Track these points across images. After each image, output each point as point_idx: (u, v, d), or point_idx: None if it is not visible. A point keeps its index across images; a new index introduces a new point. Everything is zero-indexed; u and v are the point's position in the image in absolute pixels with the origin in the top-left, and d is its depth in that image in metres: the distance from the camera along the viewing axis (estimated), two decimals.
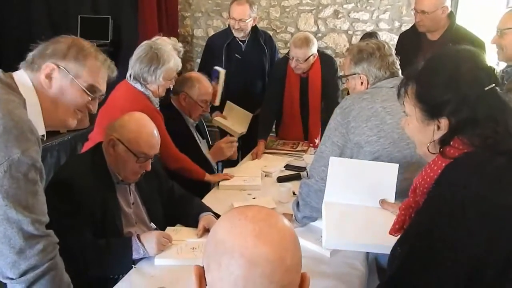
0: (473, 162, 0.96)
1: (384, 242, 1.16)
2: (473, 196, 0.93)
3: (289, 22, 4.42)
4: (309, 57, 2.79)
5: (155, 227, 1.83)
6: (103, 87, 1.31)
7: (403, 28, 3.85)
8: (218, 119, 2.96)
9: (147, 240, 1.60)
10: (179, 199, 1.97)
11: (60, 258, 1.18)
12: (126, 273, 1.55)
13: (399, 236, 1.08)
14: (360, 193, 1.41)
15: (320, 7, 4.30)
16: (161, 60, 2.16)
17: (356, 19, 4.24)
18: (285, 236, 0.71)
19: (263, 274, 0.67)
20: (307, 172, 2.37)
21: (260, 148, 2.84)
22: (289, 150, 2.91)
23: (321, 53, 2.95)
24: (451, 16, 2.65)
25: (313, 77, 2.91)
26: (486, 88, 0.98)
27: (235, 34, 3.12)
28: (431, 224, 0.97)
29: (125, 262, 1.58)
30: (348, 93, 1.89)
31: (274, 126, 3.30)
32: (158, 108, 2.28)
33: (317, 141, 2.91)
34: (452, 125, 1.00)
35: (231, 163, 2.77)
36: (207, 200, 2.14)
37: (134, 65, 2.19)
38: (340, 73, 2.58)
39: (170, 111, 2.55)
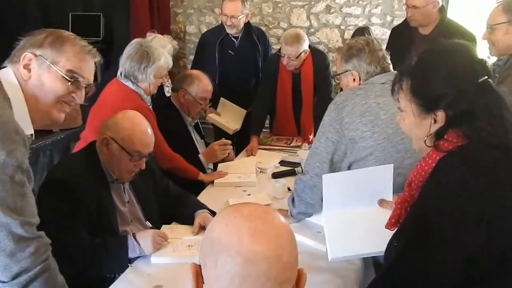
0: (467, 155, 0.97)
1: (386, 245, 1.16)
2: (467, 189, 0.94)
3: (281, 17, 4.42)
4: (300, 53, 2.79)
5: (151, 225, 1.83)
6: (86, 74, 1.24)
7: (395, 23, 3.86)
8: (212, 116, 2.95)
9: (143, 239, 1.60)
10: (174, 197, 1.96)
11: (54, 259, 1.17)
12: (122, 272, 1.55)
13: (395, 230, 1.09)
14: (358, 200, 1.40)
15: (312, 2, 4.30)
16: (151, 58, 2.15)
17: (348, 14, 4.25)
18: (281, 233, 0.71)
19: (260, 272, 0.67)
20: (301, 167, 2.39)
21: (253, 144, 2.84)
22: (283, 146, 2.92)
23: (312, 49, 2.94)
24: (442, 10, 2.67)
25: (305, 73, 2.91)
26: (480, 80, 1.00)
27: (228, 30, 3.11)
28: (426, 217, 0.98)
29: (121, 261, 1.58)
30: (341, 89, 1.90)
31: (268, 123, 3.31)
32: (150, 106, 2.27)
33: (311, 137, 2.92)
34: (449, 118, 1.01)
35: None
36: (202, 197, 2.13)
37: (125, 63, 2.18)
38: (333, 73, 2.59)
39: (168, 109, 2.54)
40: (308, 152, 1.82)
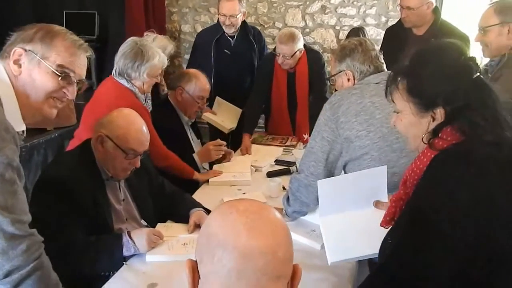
0: (461, 152, 0.99)
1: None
2: (457, 184, 0.96)
3: (276, 17, 4.42)
4: (295, 52, 2.79)
5: (146, 224, 1.82)
6: (78, 69, 1.21)
7: (390, 23, 3.88)
8: (207, 115, 2.95)
9: (138, 237, 1.60)
10: (169, 195, 1.97)
11: (47, 257, 1.16)
12: (117, 270, 1.55)
13: (389, 227, 1.10)
14: (354, 202, 1.41)
15: (308, 3, 4.31)
16: (145, 56, 2.14)
17: (343, 14, 4.27)
18: (277, 229, 0.72)
19: (256, 267, 0.68)
20: (296, 167, 2.39)
21: (246, 143, 2.84)
22: (278, 145, 2.93)
23: (307, 48, 2.96)
24: (436, 11, 2.69)
25: (300, 72, 2.92)
26: (474, 76, 1.02)
27: (226, 30, 3.11)
28: (420, 215, 0.99)
29: (116, 259, 1.57)
30: (336, 89, 1.92)
31: (263, 122, 3.32)
32: (145, 105, 2.27)
33: (305, 136, 2.93)
34: (448, 114, 1.03)
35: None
36: (197, 196, 2.14)
37: (119, 60, 2.17)
38: (328, 75, 2.60)
39: (165, 108, 2.54)
40: (303, 152, 1.83)
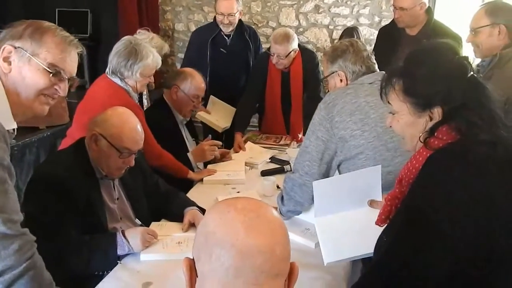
0: (456, 151, 0.99)
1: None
2: (456, 184, 0.96)
3: (270, 16, 4.43)
4: (290, 52, 2.80)
5: (140, 223, 1.82)
6: (69, 66, 1.19)
7: (383, 23, 3.91)
8: (201, 114, 2.94)
9: (132, 236, 1.60)
10: (164, 194, 1.96)
11: (40, 256, 1.14)
12: (111, 269, 1.54)
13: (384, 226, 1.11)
14: (349, 203, 1.42)
15: (301, 2, 4.33)
16: (139, 55, 2.13)
17: (336, 14, 4.29)
18: (275, 227, 0.72)
19: (254, 265, 0.68)
20: (290, 165, 2.40)
21: (239, 140, 2.83)
22: (272, 144, 2.93)
23: (302, 48, 2.96)
24: (429, 12, 2.71)
25: (294, 71, 2.92)
26: (469, 75, 1.03)
27: (224, 29, 3.11)
28: (415, 213, 1.00)
29: (110, 259, 1.57)
30: (328, 90, 1.93)
31: (257, 121, 3.32)
32: (144, 101, 2.25)
33: (300, 135, 2.94)
34: (446, 113, 1.04)
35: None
36: (192, 194, 2.13)
37: (113, 59, 2.16)
38: (322, 74, 2.61)
39: (160, 106, 2.53)
40: (297, 151, 1.83)
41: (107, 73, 2.20)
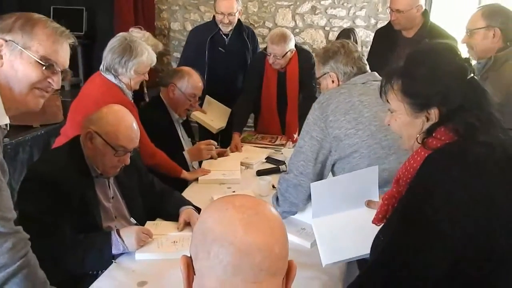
0: (454, 152, 1.00)
1: None
2: (456, 184, 0.96)
3: (267, 17, 4.43)
4: (286, 53, 2.80)
5: (135, 222, 1.81)
6: (61, 58, 1.16)
7: (379, 25, 3.93)
8: (196, 113, 2.93)
9: (127, 236, 1.58)
10: (159, 193, 1.95)
11: (34, 255, 1.14)
12: (106, 269, 1.53)
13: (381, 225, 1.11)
14: (346, 203, 1.42)
15: (298, 3, 4.33)
16: (133, 52, 2.11)
17: (333, 15, 4.30)
18: (274, 224, 0.72)
19: (253, 263, 0.68)
20: (286, 166, 2.40)
21: (236, 141, 2.83)
22: (267, 144, 2.93)
23: (298, 48, 2.96)
24: (425, 14, 2.73)
25: (290, 72, 2.92)
26: (468, 77, 1.03)
27: (223, 28, 3.10)
28: (413, 212, 1.00)
29: (105, 258, 1.55)
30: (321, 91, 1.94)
31: (252, 121, 3.31)
32: (132, 101, 2.23)
33: (295, 135, 2.94)
34: (443, 114, 1.04)
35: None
36: (187, 194, 2.12)
37: (107, 55, 2.14)
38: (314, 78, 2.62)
39: (156, 104, 2.51)
40: (292, 151, 1.83)
41: (101, 70, 2.17)
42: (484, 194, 0.96)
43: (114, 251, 1.57)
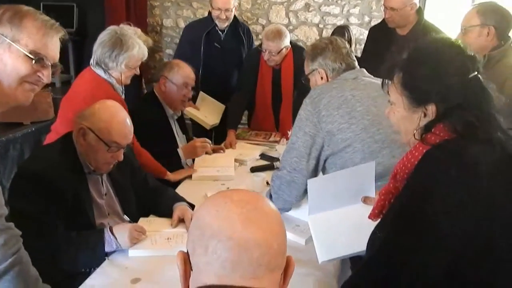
0: (452, 148, 0.99)
1: None
2: (455, 184, 0.96)
3: (260, 13, 4.42)
4: (281, 49, 2.79)
5: (128, 219, 1.79)
6: (51, 51, 1.13)
7: (373, 23, 3.93)
8: (190, 109, 2.91)
9: (120, 233, 1.57)
10: (152, 190, 1.93)
11: (26, 252, 1.12)
12: (98, 267, 1.51)
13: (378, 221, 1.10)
14: (343, 200, 1.41)
15: (291, 0, 4.32)
16: (124, 46, 2.06)
17: (327, 13, 4.29)
18: (272, 220, 0.71)
19: (251, 258, 0.67)
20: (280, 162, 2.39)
21: (231, 138, 2.82)
22: (261, 141, 2.93)
23: (293, 45, 2.96)
24: (419, 12, 2.74)
25: (285, 68, 2.92)
26: (470, 76, 1.02)
27: (220, 24, 3.07)
28: (410, 208, 0.99)
29: (98, 256, 1.54)
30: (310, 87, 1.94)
31: (246, 118, 3.30)
32: (123, 97, 2.19)
33: (289, 132, 2.92)
34: (440, 112, 1.03)
35: None
36: (180, 190, 2.11)
37: (97, 49, 2.08)
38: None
39: (149, 100, 2.49)
40: (284, 148, 1.83)
41: (91, 64, 2.13)
42: (483, 194, 0.96)
43: (107, 249, 1.55)
